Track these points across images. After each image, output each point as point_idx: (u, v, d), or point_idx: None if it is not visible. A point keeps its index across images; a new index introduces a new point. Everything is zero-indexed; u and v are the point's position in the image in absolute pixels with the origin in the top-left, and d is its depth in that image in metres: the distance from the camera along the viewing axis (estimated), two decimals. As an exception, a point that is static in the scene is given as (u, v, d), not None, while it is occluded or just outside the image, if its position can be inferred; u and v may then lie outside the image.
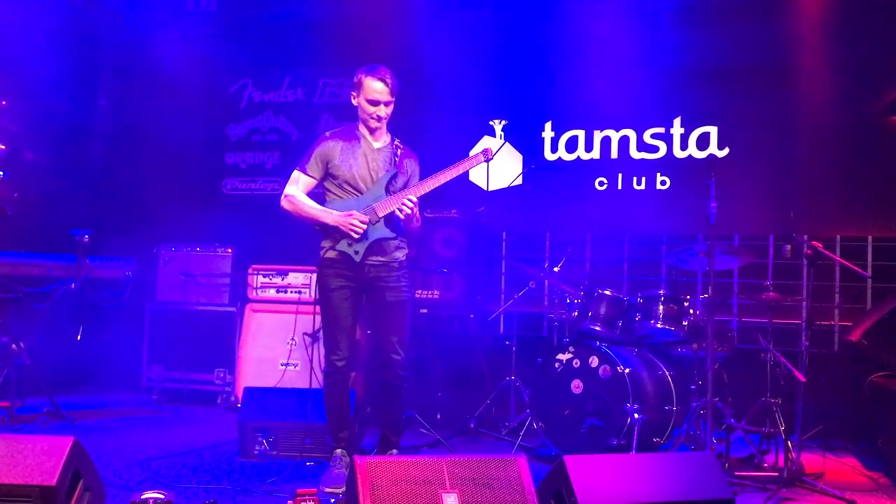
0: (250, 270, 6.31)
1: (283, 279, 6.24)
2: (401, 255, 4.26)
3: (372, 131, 4.21)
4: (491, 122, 6.77)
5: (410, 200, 4.06)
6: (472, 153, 4.45)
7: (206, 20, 7.33)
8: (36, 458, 2.94)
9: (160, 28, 7.18)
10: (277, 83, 7.44)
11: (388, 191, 4.18)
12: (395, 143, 4.26)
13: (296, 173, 4.26)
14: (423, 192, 4.15)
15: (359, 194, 4.17)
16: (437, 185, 4.16)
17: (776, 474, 4.33)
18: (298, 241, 6.56)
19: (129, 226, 6.98)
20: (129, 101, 7.58)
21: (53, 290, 5.92)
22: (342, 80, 7.23)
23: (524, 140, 6.71)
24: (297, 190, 4.23)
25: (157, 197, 7.20)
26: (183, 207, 7.12)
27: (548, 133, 6.65)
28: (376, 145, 4.23)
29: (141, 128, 7.40)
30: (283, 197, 4.26)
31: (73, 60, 7.19)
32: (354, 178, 4.17)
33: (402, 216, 4.08)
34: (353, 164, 4.17)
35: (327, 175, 4.22)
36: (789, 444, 4.39)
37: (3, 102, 6.92)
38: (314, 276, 6.10)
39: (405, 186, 4.23)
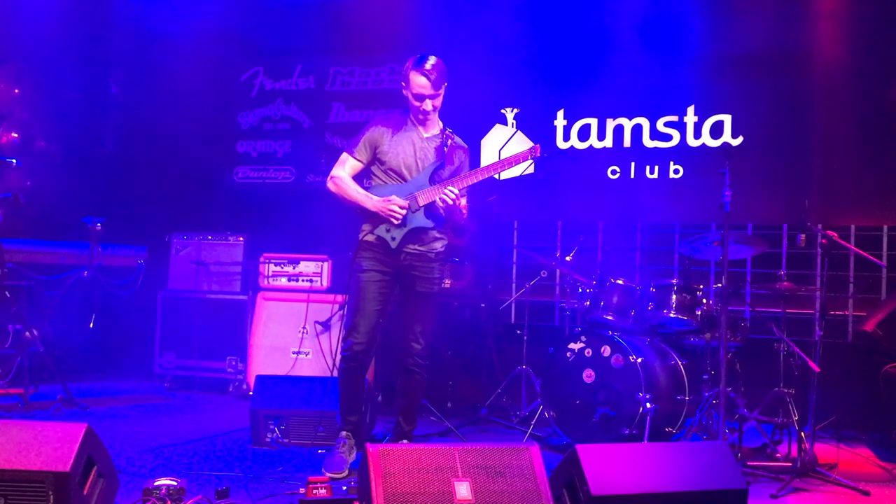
0: (262, 259, 6.32)
1: (294, 268, 6.24)
2: (439, 245, 4.23)
3: (421, 122, 4.18)
4: (503, 111, 6.75)
5: (452, 192, 4.00)
6: (516, 150, 4.43)
7: (218, 9, 7.31)
8: (50, 444, 2.95)
9: (172, 17, 7.17)
10: (289, 71, 7.43)
11: (433, 180, 4.13)
12: (446, 132, 4.18)
13: (344, 155, 4.24)
14: (466, 185, 4.10)
15: (403, 182, 4.15)
16: (482, 178, 4.10)
17: (789, 465, 4.30)
18: (310, 229, 6.59)
19: (141, 214, 7.01)
20: (140, 90, 7.59)
21: (66, 277, 5.94)
22: (353, 69, 7.22)
23: (536, 128, 6.67)
24: (343, 172, 4.20)
25: (169, 185, 7.22)
26: (195, 196, 7.14)
27: (560, 121, 6.62)
28: (426, 134, 4.20)
29: (152, 116, 7.41)
30: (328, 178, 4.24)
31: (85, 49, 7.20)
32: (400, 166, 4.15)
33: (442, 207, 4.05)
34: (401, 152, 4.15)
35: (375, 160, 4.20)
36: (802, 434, 4.37)
37: (16, 91, 6.94)
38: (326, 264, 6.14)
39: (451, 177, 4.16)
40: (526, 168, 6.59)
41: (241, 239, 6.58)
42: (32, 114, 6.98)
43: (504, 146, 6.71)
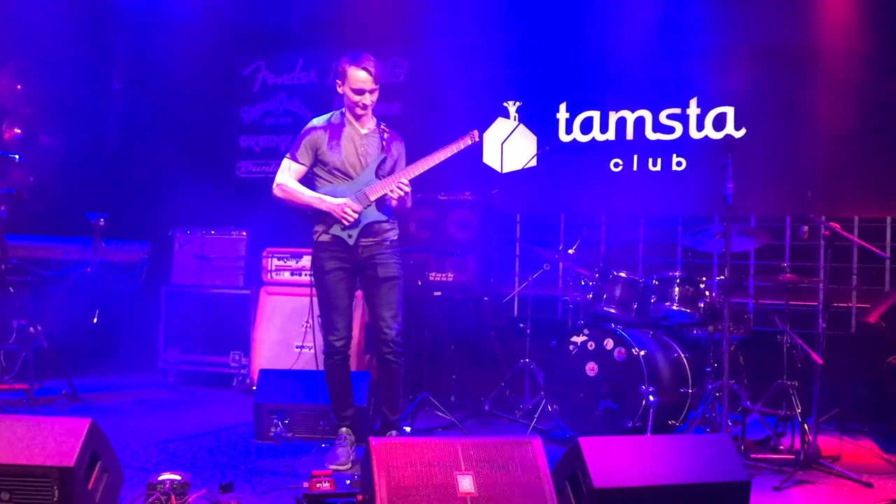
0: (265, 253, 6.32)
1: (297, 262, 6.25)
2: (392, 235, 4.32)
3: (358, 118, 4.27)
4: (505, 104, 6.73)
5: (404, 184, 4.11)
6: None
7: (219, 3, 7.30)
8: (54, 439, 2.96)
9: (174, 12, 7.17)
10: (291, 65, 7.43)
11: (378, 175, 4.23)
12: (382, 126, 4.31)
13: (286, 161, 4.30)
14: (415, 175, 4.20)
15: (349, 179, 4.23)
16: (429, 167, 4.19)
17: (792, 457, 4.31)
18: (312, 224, 6.58)
19: (145, 209, 7.01)
20: (143, 85, 7.59)
21: (70, 273, 5.96)
22: (355, 63, 7.19)
23: (539, 121, 6.66)
24: (288, 178, 4.27)
25: (172, 180, 7.21)
26: (198, 190, 7.12)
27: (562, 114, 6.60)
28: (363, 130, 4.29)
29: (155, 111, 7.42)
30: (274, 185, 4.30)
31: (88, 45, 7.20)
32: (344, 164, 4.23)
33: (395, 198, 4.15)
34: (342, 151, 4.23)
35: (317, 161, 4.27)
36: (806, 426, 4.37)
37: (19, 87, 6.94)
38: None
39: (393, 170, 4.29)
40: (528, 161, 6.58)
41: (245, 233, 6.59)
42: (35, 109, 6.99)
43: (506, 139, 6.70)
